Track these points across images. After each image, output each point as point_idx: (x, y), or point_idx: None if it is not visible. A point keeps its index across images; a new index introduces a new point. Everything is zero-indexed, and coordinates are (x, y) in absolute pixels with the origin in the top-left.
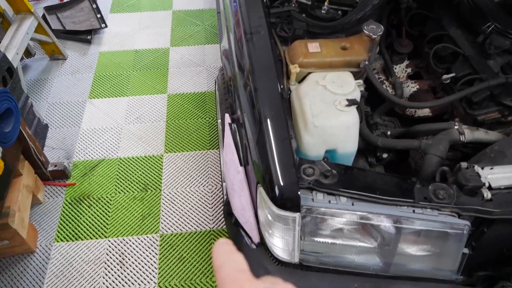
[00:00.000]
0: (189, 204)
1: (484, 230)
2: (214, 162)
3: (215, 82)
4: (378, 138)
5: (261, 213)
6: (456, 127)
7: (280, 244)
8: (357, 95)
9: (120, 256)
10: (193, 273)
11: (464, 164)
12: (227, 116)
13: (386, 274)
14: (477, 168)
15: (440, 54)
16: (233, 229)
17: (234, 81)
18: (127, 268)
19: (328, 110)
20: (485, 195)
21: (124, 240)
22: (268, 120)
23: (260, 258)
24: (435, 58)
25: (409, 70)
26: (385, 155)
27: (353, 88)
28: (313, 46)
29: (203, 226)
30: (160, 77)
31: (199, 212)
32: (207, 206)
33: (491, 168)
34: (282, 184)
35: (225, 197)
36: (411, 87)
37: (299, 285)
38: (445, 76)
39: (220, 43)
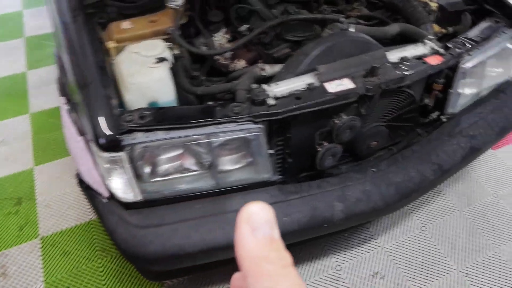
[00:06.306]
0: (66, 203)
1: (289, 136)
2: None
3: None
4: (198, 88)
5: (99, 166)
6: (259, 66)
7: (120, 185)
8: (167, 55)
9: (1, 269)
10: (78, 262)
11: (255, 86)
12: (62, 99)
13: (220, 190)
14: (264, 86)
15: (241, 15)
16: (87, 193)
17: (63, 72)
18: (11, 277)
19: (141, 69)
20: (269, 103)
21: (4, 253)
22: (90, 86)
23: (112, 208)
24: (240, 20)
25: (228, 36)
26: None
27: (162, 49)
28: (126, 24)
29: (83, 219)
30: (19, 99)
31: (77, 208)
32: (85, 201)
33: (276, 84)
34: (104, 131)
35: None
36: None
37: (147, 220)
38: (241, 28)
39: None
